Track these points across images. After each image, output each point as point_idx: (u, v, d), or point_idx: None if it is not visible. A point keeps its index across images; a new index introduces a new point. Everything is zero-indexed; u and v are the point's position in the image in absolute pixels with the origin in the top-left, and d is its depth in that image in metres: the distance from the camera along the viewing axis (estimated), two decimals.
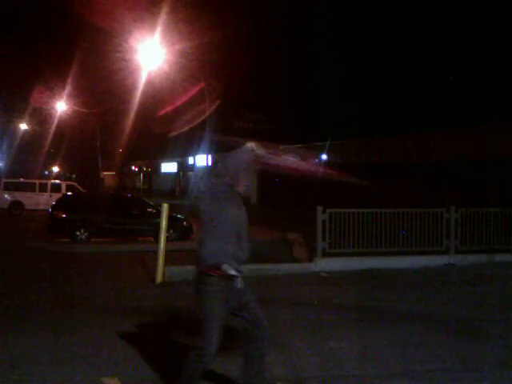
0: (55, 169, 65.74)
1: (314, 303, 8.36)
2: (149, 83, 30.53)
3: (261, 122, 46.14)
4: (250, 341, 4.24)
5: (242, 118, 46.23)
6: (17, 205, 30.00)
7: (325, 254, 11.26)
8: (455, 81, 30.15)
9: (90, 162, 54.32)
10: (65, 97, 42.03)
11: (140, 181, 74.57)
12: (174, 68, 27.04)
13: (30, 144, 51.84)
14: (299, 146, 40.02)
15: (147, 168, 71.64)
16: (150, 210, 17.24)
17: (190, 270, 10.48)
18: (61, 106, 43.90)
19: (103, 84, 34.87)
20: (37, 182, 32.54)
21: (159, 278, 9.90)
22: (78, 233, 16.44)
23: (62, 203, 17.83)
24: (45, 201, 28.47)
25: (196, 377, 4.14)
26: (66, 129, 47.83)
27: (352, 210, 11.58)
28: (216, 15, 29.27)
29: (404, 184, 26.49)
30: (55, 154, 57.59)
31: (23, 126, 50.20)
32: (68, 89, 40.10)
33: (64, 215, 16.79)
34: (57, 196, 23.78)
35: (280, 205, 35.39)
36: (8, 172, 46.88)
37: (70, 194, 24.92)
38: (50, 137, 48.90)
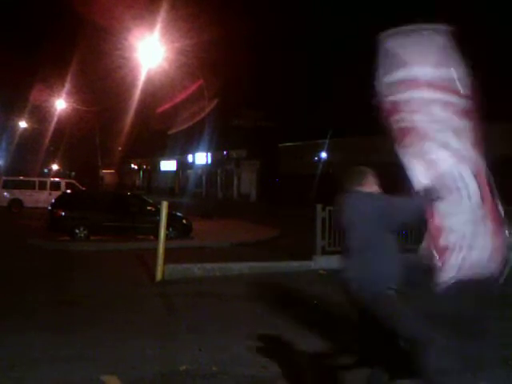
0: (54, 167, 65.61)
1: (312, 301, 8.36)
2: (148, 81, 30.49)
3: (260, 119, 46.05)
4: None
5: (241, 116, 46.13)
6: (16, 203, 30.00)
7: (324, 252, 11.27)
8: None
9: (89, 160, 54.29)
10: (64, 95, 41.97)
11: (139, 179, 74.57)
12: (173, 66, 27.01)
13: (29, 142, 51.73)
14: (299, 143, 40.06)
15: (147, 166, 71.63)
16: (149, 207, 17.19)
17: (189, 267, 10.55)
18: (60, 104, 43.83)
19: (102, 82, 34.76)
20: (36, 179, 32.54)
21: (159, 276, 9.91)
22: (77, 231, 16.39)
23: (62, 201, 17.79)
24: (44, 199, 28.47)
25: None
26: (66, 127, 47.72)
27: None
28: (215, 13, 29.25)
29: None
30: (54, 151, 57.53)
31: (22, 124, 50.09)
32: (67, 87, 40.06)
33: (63, 213, 16.75)
34: (56, 194, 23.75)
35: (279, 203, 35.37)
36: (7, 170, 46.85)
37: (69, 191, 24.89)
38: (49, 135, 48.83)
